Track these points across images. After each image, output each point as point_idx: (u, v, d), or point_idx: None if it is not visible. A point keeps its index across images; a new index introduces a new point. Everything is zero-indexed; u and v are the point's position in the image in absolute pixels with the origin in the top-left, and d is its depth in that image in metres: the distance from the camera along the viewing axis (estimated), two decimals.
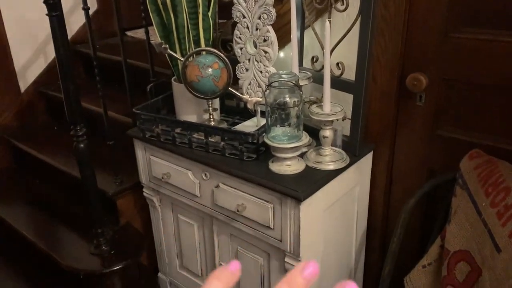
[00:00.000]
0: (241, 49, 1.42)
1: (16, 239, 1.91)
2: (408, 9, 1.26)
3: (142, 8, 1.74)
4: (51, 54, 2.36)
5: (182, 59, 1.39)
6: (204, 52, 1.39)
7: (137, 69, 2.07)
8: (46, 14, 1.34)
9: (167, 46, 1.39)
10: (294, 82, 1.19)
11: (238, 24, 1.39)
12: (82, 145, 1.54)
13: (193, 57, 1.38)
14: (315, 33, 1.38)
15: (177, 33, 1.43)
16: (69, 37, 2.15)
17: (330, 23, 1.23)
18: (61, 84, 1.46)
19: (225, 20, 1.70)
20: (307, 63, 1.47)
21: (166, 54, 1.43)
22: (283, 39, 1.49)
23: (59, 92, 2.03)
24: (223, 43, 1.63)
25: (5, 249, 2.03)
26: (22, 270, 1.93)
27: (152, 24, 1.47)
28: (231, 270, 0.36)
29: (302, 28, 1.46)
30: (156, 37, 1.48)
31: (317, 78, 1.38)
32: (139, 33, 2.64)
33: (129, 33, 2.64)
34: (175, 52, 1.46)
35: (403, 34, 1.28)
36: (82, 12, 1.64)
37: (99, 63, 1.72)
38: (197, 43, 1.47)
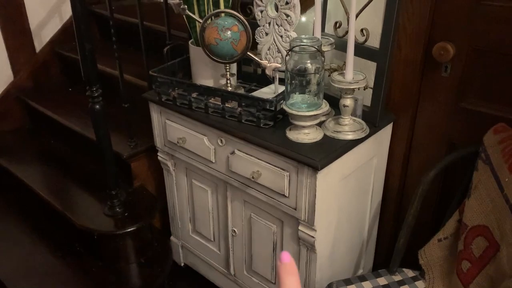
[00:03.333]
0: (261, 12, 1.37)
1: (32, 198, 1.94)
2: None
3: None
4: (67, 13, 2.32)
5: (201, 21, 1.35)
6: (223, 14, 1.35)
7: (153, 31, 2.03)
8: None
9: (186, 6, 1.34)
10: (316, 47, 1.15)
11: None
12: (97, 106, 1.53)
13: (211, 19, 1.34)
14: None
15: None
16: None
17: None
18: (77, 43, 1.44)
19: None
20: (329, 28, 1.42)
21: (184, 16, 1.39)
22: (305, 2, 1.44)
23: (74, 52, 2.02)
24: (243, 5, 1.58)
25: (21, 208, 2.07)
26: (37, 228, 1.97)
27: None
28: (290, 261, 0.38)
29: None
30: None
31: (339, 45, 1.33)
32: None
33: None
34: (194, 13, 1.41)
35: (431, 1, 1.22)
36: None
37: (115, 24, 1.68)
38: (216, 4, 1.42)
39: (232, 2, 1.46)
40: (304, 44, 1.15)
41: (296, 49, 1.17)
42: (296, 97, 1.22)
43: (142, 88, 1.79)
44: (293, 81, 1.20)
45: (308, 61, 1.17)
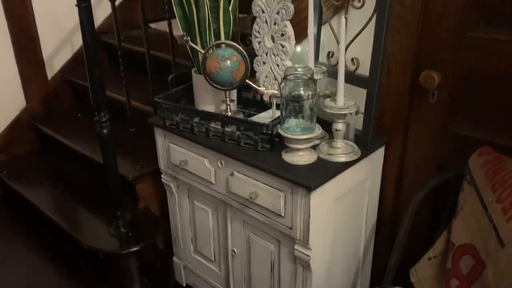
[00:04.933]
0: (259, 42, 1.46)
1: (41, 219, 2.02)
2: (424, 7, 1.28)
3: (166, 1, 1.81)
4: (77, 43, 2.45)
5: (203, 51, 1.45)
6: (223, 45, 1.45)
7: (159, 59, 2.14)
8: (76, 5, 1.41)
9: (189, 38, 1.44)
10: (308, 75, 1.23)
11: (257, 19, 1.44)
12: (105, 131, 1.61)
13: (213, 49, 1.44)
14: (332, 29, 1.42)
15: (198, 26, 1.49)
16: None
17: (346, 19, 1.26)
18: (87, 71, 1.53)
19: (245, 15, 1.76)
20: (323, 58, 1.51)
21: (187, 46, 1.49)
22: (301, 34, 1.53)
23: (84, 79, 2.12)
24: (243, 37, 1.69)
25: (30, 229, 2.14)
26: (44, 246, 2.03)
27: (175, 17, 1.53)
28: None
29: (320, 23, 1.49)
30: (178, 30, 1.55)
31: (333, 73, 1.42)
32: (162, 26, 2.70)
33: (152, 25, 2.72)
34: (196, 44, 1.51)
35: (418, 31, 1.31)
36: (108, 4, 1.71)
37: (123, 54, 1.79)
38: (217, 36, 1.52)
39: (232, 33, 1.57)
40: (298, 73, 1.24)
41: (290, 77, 1.25)
42: (291, 122, 1.30)
43: (148, 113, 1.89)
44: (288, 107, 1.28)
45: (301, 88, 1.25)
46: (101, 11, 2.50)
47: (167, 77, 1.87)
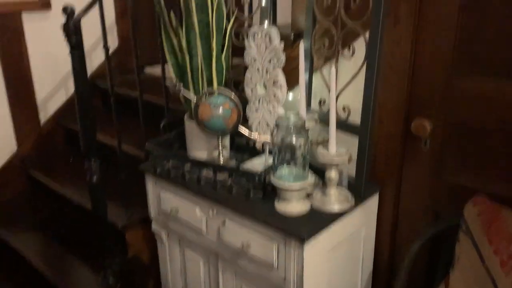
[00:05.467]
0: (251, 90, 1.47)
1: (25, 266, 1.95)
2: (413, 57, 1.30)
3: (159, 46, 1.83)
4: (72, 88, 2.45)
5: (195, 99, 1.45)
6: (216, 93, 1.45)
7: (153, 104, 2.15)
8: (68, 54, 1.42)
9: (182, 86, 1.45)
10: (300, 124, 1.23)
11: (249, 67, 1.45)
12: (95, 179, 1.59)
13: (205, 97, 1.44)
14: (323, 77, 1.43)
15: (191, 74, 1.50)
16: (90, 72, 2.26)
17: (336, 69, 1.28)
18: (78, 118, 1.53)
19: (237, 63, 1.78)
20: (315, 104, 1.51)
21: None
22: (293, 81, 1.54)
23: (77, 125, 2.12)
24: (235, 83, 1.70)
25: (13, 277, 2.06)
26: None
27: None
28: None
29: (311, 71, 1.51)
30: (171, 74, 1.55)
31: (325, 120, 1.41)
32: (157, 69, 2.74)
33: (147, 69, 2.75)
34: (189, 91, 1.52)
35: (408, 80, 1.33)
36: (102, 51, 1.74)
37: (117, 98, 1.79)
38: (210, 83, 1.53)
39: (225, 80, 1.58)
40: (289, 121, 1.23)
41: (282, 125, 1.25)
42: (284, 170, 1.28)
43: (140, 158, 1.87)
44: (280, 155, 1.27)
45: (294, 137, 1.24)
46: (97, 56, 2.53)
47: (160, 121, 1.87)
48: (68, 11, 1.34)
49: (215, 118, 1.40)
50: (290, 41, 1.59)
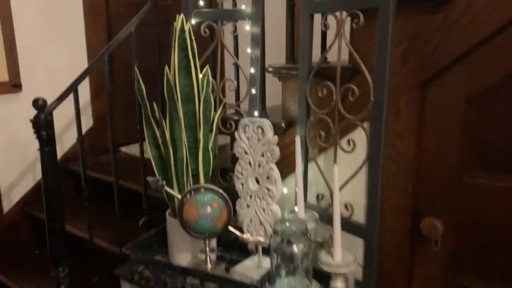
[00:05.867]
0: (242, 184, 1.34)
1: None
2: (417, 151, 1.21)
3: (137, 123, 1.71)
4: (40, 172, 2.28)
5: (179, 196, 1.31)
6: (202, 189, 1.31)
7: (129, 190, 1.99)
8: (38, 149, 1.28)
9: (164, 182, 1.31)
10: (301, 229, 1.09)
11: (239, 160, 1.33)
12: None
13: (191, 194, 1.30)
14: (319, 168, 1.33)
15: (175, 167, 1.37)
16: (60, 155, 2.10)
17: (335, 162, 1.17)
18: (45, 215, 1.35)
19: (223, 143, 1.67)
20: (311, 198, 1.39)
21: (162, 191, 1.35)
22: (285, 170, 1.43)
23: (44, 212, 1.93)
24: (223, 172, 1.57)
25: None
26: None
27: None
28: None
29: (306, 162, 1.40)
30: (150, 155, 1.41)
31: (324, 217, 1.29)
32: (134, 149, 2.60)
33: (123, 148, 2.61)
34: (172, 186, 1.38)
35: (412, 175, 1.23)
36: (75, 131, 1.60)
37: (90, 182, 1.63)
38: (195, 177, 1.39)
39: (212, 171, 1.45)
40: (289, 228, 1.10)
41: (281, 232, 1.11)
42: (283, 281, 1.13)
43: (115, 256, 1.67)
44: (278, 264, 1.12)
45: (294, 244, 1.10)
46: (69, 137, 2.38)
47: (137, 208, 1.71)
48: (39, 104, 1.21)
49: (202, 219, 1.25)
50: (281, 129, 1.50)
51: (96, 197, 1.73)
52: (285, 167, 1.43)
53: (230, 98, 1.49)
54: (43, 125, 1.21)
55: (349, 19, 1.16)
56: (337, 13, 1.17)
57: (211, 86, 1.37)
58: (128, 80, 2.45)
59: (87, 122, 2.41)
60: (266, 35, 1.41)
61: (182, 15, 1.27)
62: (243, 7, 1.43)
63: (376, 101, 1.09)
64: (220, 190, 1.30)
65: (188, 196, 1.29)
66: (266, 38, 1.41)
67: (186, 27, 1.28)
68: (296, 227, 1.09)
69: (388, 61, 1.05)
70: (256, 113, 1.42)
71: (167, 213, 1.44)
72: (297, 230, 1.09)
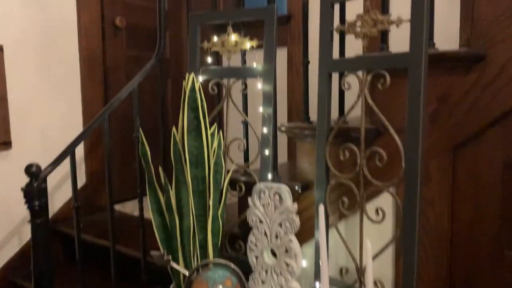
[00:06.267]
0: (256, 257, 1.21)
1: None
2: (451, 220, 1.11)
3: (137, 176, 1.59)
4: (27, 235, 2.11)
5: (186, 273, 1.17)
6: (211, 265, 1.18)
7: (125, 256, 1.82)
8: (29, 221, 1.14)
9: (170, 257, 1.17)
10: None
11: (253, 229, 1.21)
12: None
13: (198, 270, 1.16)
14: (342, 239, 1.20)
15: (181, 238, 1.23)
16: (50, 215, 1.93)
17: (361, 236, 1.05)
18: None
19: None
20: (331, 270, 1.26)
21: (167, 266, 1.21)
22: (301, 238, 1.31)
23: (30, 281, 1.75)
24: (232, 239, 1.43)
25: None
26: None
27: (146, 195, 1.28)
28: None
29: (326, 230, 1.28)
30: (149, 211, 1.27)
31: None
32: (128, 207, 2.45)
33: (117, 206, 2.45)
34: (177, 259, 1.24)
35: (447, 247, 1.11)
36: (68, 188, 1.47)
37: (83, 246, 1.48)
38: (203, 248, 1.26)
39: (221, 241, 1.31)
40: None
41: None
42: None
43: None
44: None
45: None
46: (60, 195, 2.23)
47: (136, 278, 1.55)
48: (32, 171, 1.08)
49: None
50: (296, 193, 1.38)
51: (87, 261, 1.57)
52: (300, 234, 1.30)
53: (235, 157, 1.39)
54: (35, 194, 1.08)
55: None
56: (359, 72, 1.10)
57: (222, 148, 1.27)
58: (123, 134, 2.35)
59: (80, 180, 2.25)
60: (258, 93, 1.33)
61: (192, 74, 1.19)
62: (254, 64, 1.36)
63: (409, 168, 0.99)
64: (233, 265, 1.16)
65: (197, 273, 1.15)
66: (259, 96, 1.33)
67: (197, 86, 1.19)
68: None
69: (421, 125, 0.96)
70: (269, 176, 1.31)
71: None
72: None
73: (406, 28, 1.00)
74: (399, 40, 1.22)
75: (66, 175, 2.20)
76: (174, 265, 1.16)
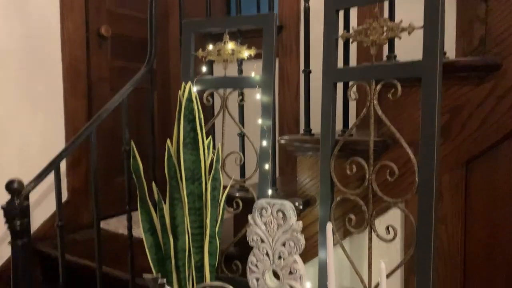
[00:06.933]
0: (257, 279, 1.13)
1: None
2: (464, 239, 1.05)
3: (127, 207, 1.49)
4: (4, 255, 1.97)
5: None
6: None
7: (110, 277, 1.71)
8: (8, 243, 1.03)
9: (165, 281, 1.07)
10: None
11: (254, 249, 1.13)
12: None
13: None
14: (349, 259, 1.13)
15: (175, 259, 1.14)
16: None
17: (370, 255, 0.98)
18: None
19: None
20: None
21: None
22: (303, 257, 1.23)
23: None
24: (228, 260, 1.34)
25: None
26: None
27: (136, 209, 1.18)
28: None
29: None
30: (139, 228, 1.17)
31: None
32: (113, 224, 2.33)
33: (101, 223, 2.33)
34: (171, 283, 1.14)
35: (460, 269, 1.05)
36: (48, 205, 1.36)
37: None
38: (199, 270, 1.17)
39: (216, 257, 1.22)
40: None
41: None
42: None
43: None
44: None
45: None
46: (39, 213, 2.10)
47: None
48: (13, 188, 0.98)
49: None
50: (298, 210, 1.31)
51: (69, 283, 1.45)
52: (301, 253, 1.23)
53: (231, 171, 1.31)
54: (17, 213, 0.98)
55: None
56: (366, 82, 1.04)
57: (220, 162, 1.19)
58: (106, 149, 2.25)
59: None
60: (254, 104, 1.27)
61: (189, 83, 1.12)
62: (252, 74, 1.29)
63: (423, 182, 0.93)
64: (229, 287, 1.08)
65: None
66: (255, 107, 1.26)
67: (194, 96, 1.12)
68: None
69: (437, 136, 0.91)
70: (269, 192, 1.23)
71: None
72: None
73: (405, 35, 0.95)
74: (397, 49, 1.17)
75: (46, 191, 2.08)
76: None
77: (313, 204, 1.31)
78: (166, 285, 1.07)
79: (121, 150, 1.45)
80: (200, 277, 1.16)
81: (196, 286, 1.10)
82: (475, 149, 1.02)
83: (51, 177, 1.34)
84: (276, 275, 1.11)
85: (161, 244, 1.16)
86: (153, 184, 1.16)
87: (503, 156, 1.00)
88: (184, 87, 1.11)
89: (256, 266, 1.12)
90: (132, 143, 1.15)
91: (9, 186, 1.00)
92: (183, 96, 1.11)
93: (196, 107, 1.12)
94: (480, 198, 1.04)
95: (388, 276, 1.04)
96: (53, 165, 1.19)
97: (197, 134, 1.12)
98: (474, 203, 1.04)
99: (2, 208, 1.00)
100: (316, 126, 1.24)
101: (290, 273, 1.07)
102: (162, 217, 1.15)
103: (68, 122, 2.20)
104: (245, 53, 1.30)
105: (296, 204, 1.33)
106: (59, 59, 2.18)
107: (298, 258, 1.07)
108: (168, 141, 1.14)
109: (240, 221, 1.41)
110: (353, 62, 1.58)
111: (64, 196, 2.21)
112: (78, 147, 2.11)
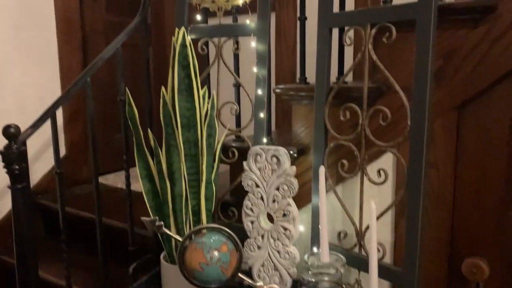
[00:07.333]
0: (252, 222, 1.16)
1: None
2: (454, 183, 1.07)
3: (124, 157, 1.51)
4: (5, 207, 2.01)
5: (180, 239, 1.11)
6: (204, 230, 1.12)
7: (111, 228, 1.76)
8: (8, 187, 1.06)
9: (162, 223, 1.10)
10: (336, 281, 0.92)
11: (249, 194, 1.16)
12: None
13: (192, 236, 1.10)
14: (341, 202, 1.16)
15: (172, 204, 1.17)
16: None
17: (362, 200, 1.01)
18: (16, 273, 1.12)
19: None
20: (330, 236, 1.22)
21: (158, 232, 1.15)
22: (297, 203, 1.27)
23: (10, 256, 1.67)
24: (224, 206, 1.38)
25: None
26: None
27: (134, 165, 1.20)
28: None
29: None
30: (137, 182, 1.20)
31: (348, 258, 1.12)
32: (111, 179, 2.37)
33: (99, 179, 2.36)
34: (169, 226, 1.18)
35: (450, 210, 1.08)
36: (47, 158, 1.39)
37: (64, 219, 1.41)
38: (196, 214, 1.20)
39: (212, 202, 1.25)
40: (321, 278, 0.92)
41: (308, 281, 0.93)
42: None
43: None
44: None
45: None
46: (39, 167, 2.13)
47: (122, 250, 1.49)
48: (10, 132, 0.99)
49: (210, 266, 1.05)
50: (292, 158, 1.33)
51: (70, 234, 1.50)
52: (296, 200, 1.26)
53: (227, 122, 1.32)
54: (15, 157, 1.00)
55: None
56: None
57: (215, 109, 1.20)
58: (104, 104, 2.25)
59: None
60: (250, 54, 1.26)
61: (183, 28, 1.11)
62: (247, 21, 1.28)
63: (414, 126, 0.94)
64: (228, 231, 1.11)
65: (190, 239, 1.10)
66: (251, 57, 1.25)
67: (188, 42, 1.11)
68: (330, 277, 0.92)
69: (429, 80, 0.91)
70: (264, 140, 1.25)
71: (161, 257, 1.23)
72: (331, 282, 0.91)
73: None
74: None
75: (45, 145, 2.09)
76: (167, 231, 1.10)
77: (307, 153, 1.33)
78: (163, 228, 1.11)
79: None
80: (197, 221, 1.20)
81: (194, 228, 1.13)
82: (467, 93, 1.02)
83: (48, 130, 1.35)
84: (270, 218, 1.14)
85: (158, 190, 1.18)
86: (149, 131, 1.17)
87: (495, 100, 1.01)
88: (178, 33, 1.10)
89: (251, 209, 1.16)
90: (128, 91, 1.16)
91: (6, 131, 1.01)
92: (176, 42, 1.10)
93: (191, 53, 1.11)
94: (472, 143, 1.05)
95: (378, 217, 1.07)
96: (49, 114, 1.19)
97: (191, 81, 1.12)
98: (466, 147, 1.06)
99: (0, 152, 1.02)
100: (312, 78, 1.24)
101: (284, 215, 1.10)
102: (158, 164, 1.17)
103: (63, 74, 2.19)
104: None
105: (291, 152, 1.35)
106: (52, 10, 2.14)
107: (291, 201, 1.09)
108: (163, 88, 1.14)
109: (236, 172, 1.43)
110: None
111: (63, 151, 2.23)
112: (75, 102, 2.12)
